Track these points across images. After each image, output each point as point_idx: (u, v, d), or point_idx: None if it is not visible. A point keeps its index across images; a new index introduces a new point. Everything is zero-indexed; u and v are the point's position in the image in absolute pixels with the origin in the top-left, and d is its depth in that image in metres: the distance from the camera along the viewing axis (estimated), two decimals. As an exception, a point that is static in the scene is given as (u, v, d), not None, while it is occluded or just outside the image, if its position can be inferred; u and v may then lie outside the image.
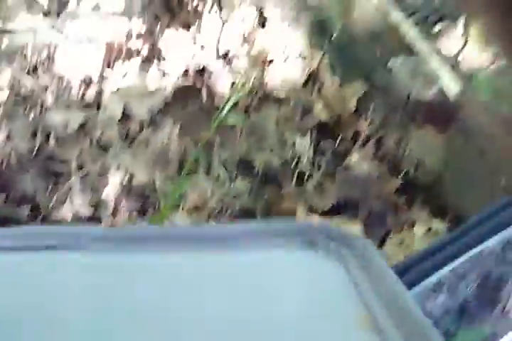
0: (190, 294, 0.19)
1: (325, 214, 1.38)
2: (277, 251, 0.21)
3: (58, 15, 1.78)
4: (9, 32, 1.68)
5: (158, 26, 1.80)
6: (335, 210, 1.40)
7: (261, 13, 1.82)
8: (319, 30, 1.69)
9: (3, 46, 1.64)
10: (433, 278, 0.50)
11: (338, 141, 1.54)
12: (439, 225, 1.25)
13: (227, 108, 1.44)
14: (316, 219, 1.35)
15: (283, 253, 0.21)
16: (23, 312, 0.19)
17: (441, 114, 1.41)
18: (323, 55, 1.67)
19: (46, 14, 1.76)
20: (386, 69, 1.48)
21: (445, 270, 0.50)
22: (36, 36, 1.68)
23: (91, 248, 0.21)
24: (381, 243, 1.31)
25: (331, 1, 1.67)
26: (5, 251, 0.21)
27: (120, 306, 0.19)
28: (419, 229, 1.28)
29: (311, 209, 1.39)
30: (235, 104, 1.63)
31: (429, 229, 1.27)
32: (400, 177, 1.41)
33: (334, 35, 1.65)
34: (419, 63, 1.50)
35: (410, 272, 0.50)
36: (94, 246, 0.21)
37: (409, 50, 1.51)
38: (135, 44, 1.72)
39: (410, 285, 0.50)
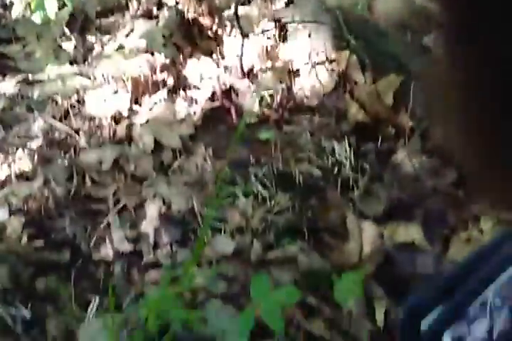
0: None
1: (378, 219, 1.21)
2: None
3: (84, 60, 1.75)
4: (39, 82, 1.65)
5: (181, 56, 1.73)
6: (388, 214, 1.22)
7: (281, 27, 1.71)
8: (342, 31, 1.55)
9: (35, 95, 1.61)
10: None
11: (379, 141, 1.37)
12: (509, 215, 1.05)
13: (247, 118, 1.32)
14: (369, 226, 1.18)
15: None
16: None
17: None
18: (350, 54, 1.53)
19: (72, 62, 1.73)
20: (420, 55, 1.31)
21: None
22: (65, 83, 1.64)
23: None
24: (446, 243, 1.12)
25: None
26: None
27: None
28: (486, 222, 1.08)
29: (363, 216, 1.22)
30: (266, 118, 1.51)
31: (498, 221, 1.07)
32: (455, 168, 1.22)
33: (359, 31, 1.50)
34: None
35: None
36: None
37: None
38: (160, 76, 1.65)
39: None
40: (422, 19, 1.32)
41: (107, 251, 1.17)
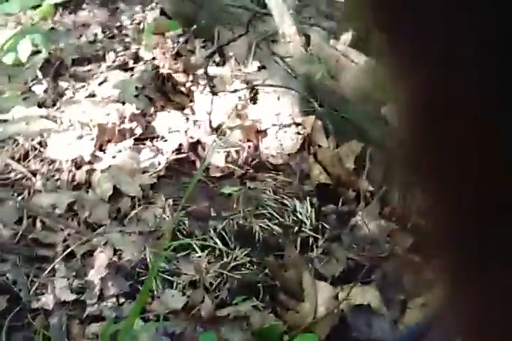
0: None
1: (335, 281, 1.18)
2: None
3: (53, 105, 1.73)
4: (2, 121, 1.62)
5: (152, 109, 1.74)
6: (346, 276, 1.19)
7: (252, 89, 1.76)
8: (309, 97, 1.60)
9: (-4, 135, 1.56)
10: None
11: (340, 203, 1.37)
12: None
13: (204, 165, 1.32)
14: (325, 287, 1.14)
15: None
16: None
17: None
18: (316, 119, 1.57)
19: (41, 106, 1.71)
20: (381, 123, 1.36)
21: None
22: (29, 124, 1.61)
23: None
24: (402, 308, 1.09)
25: (319, 67, 1.60)
26: None
27: None
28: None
29: (320, 277, 1.18)
30: (230, 174, 1.50)
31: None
32: (412, 233, 1.22)
33: (324, 99, 1.56)
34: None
35: None
36: None
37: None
38: (128, 125, 1.64)
39: None
40: (382, 91, 1.39)
41: (47, 300, 1.09)
